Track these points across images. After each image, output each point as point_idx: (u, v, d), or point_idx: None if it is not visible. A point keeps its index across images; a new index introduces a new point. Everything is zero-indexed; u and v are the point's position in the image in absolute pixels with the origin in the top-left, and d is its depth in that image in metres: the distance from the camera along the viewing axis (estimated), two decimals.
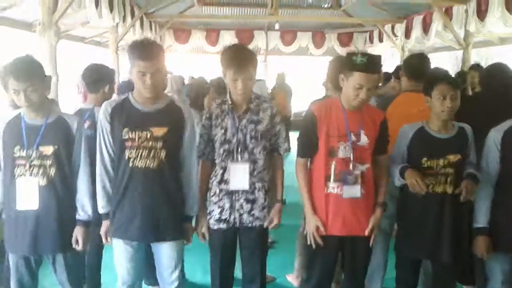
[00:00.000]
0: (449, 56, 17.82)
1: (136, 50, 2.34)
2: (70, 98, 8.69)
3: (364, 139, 2.47)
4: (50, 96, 4.59)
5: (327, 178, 2.49)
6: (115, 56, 8.56)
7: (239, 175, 2.53)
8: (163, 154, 2.40)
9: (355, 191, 2.47)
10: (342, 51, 13.29)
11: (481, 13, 6.70)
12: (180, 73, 10.16)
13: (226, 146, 2.55)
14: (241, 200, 2.56)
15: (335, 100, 2.56)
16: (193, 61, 16.67)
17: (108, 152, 2.46)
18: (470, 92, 4.87)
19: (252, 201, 2.57)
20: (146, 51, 2.32)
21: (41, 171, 2.43)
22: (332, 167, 2.47)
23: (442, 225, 2.50)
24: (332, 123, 2.47)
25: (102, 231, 2.53)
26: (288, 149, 2.70)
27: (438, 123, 2.53)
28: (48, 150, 2.44)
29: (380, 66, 2.43)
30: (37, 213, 2.44)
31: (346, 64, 2.42)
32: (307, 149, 2.57)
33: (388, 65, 11.14)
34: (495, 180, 2.53)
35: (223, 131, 2.55)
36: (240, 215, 2.57)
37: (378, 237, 2.83)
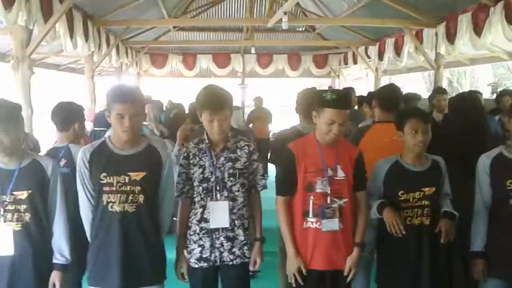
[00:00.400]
0: (422, 75, 18.32)
1: (115, 93, 2.38)
2: (45, 128, 8.58)
3: (340, 174, 2.51)
4: (26, 129, 4.58)
5: (306, 213, 2.51)
6: (91, 83, 8.50)
7: (219, 213, 2.53)
8: (141, 198, 2.40)
9: (334, 224, 2.49)
10: (317, 73, 13.55)
11: (451, 36, 6.88)
12: (158, 98, 10.19)
13: (205, 185, 2.55)
14: (221, 238, 2.55)
15: (310, 136, 2.60)
16: (171, 85, 16.75)
17: (90, 197, 2.46)
18: (436, 116, 5.04)
19: (232, 239, 2.56)
20: (124, 94, 2.36)
21: (15, 216, 2.38)
22: (310, 202, 2.50)
23: (421, 257, 2.53)
24: (309, 159, 2.51)
25: None
26: (265, 186, 2.71)
27: (412, 156, 2.60)
28: (22, 195, 2.39)
29: (350, 102, 2.49)
30: (13, 259, 2.39)
31: (317, 101, 2.49)
32: (288, 187, 2.58)
33: (364, 85, 11.38)
34: (489, 204, 2.59)
35: (201, 170, 2.55)
36: (221, 253, 2.55)
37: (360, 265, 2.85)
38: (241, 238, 2.58)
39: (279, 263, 3.55)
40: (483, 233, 2.58)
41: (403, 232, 2.49)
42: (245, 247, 2.60)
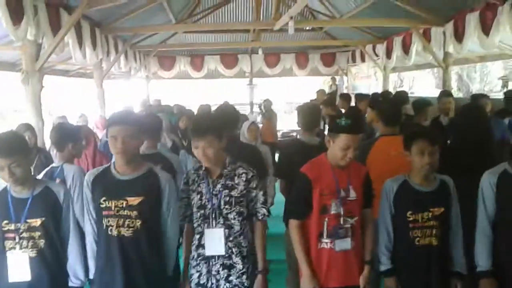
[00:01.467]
0: (431, 70, 18.17)
1: (110, 117, 2.52)
2: None
3: (353, 194, 2.56)
4: (38, 142, 4.64)
5: (320, 235, 2.56)
6: (101, 90, 8.54)
7: (214, 240, 2.52)
8: (138, 223, 2.44)
9: (346, 244, 2.55)
10: (326, 71, 13.50)
11: (459, 35, 6.82)
12: (167, 100, 10.23)
13: (202, 211, 2.55)
14: (217, 266, 2.54)
15: (322, 158, 2.63)
16: (179, 86, 16.80)
17: (93, 222, 2.52)
18: (443, 119, 5.05)
19: (229, 267, 2.54)
20: (117, 117, 2.47)
21: (30, 243, 2.45)
22: (325, 223, 2.54)
23: (429, 277, 2.54)
24: (324, 182, 2.55)
25: None
26: (267, 214, 2.61)
27: (420, 176, 2.60)
28: (36, 222, 2.46)
29: (363, 125, 2.52)
30: (30, 284, 2.46)
31: (331, 127, 2.53)
32: (303, 210, 2.61)
33: (373, 85, 11.33)
34: (492, 221, 2.56)
35: (199, 196, 2.56)
36: (217, 280, 2.54)
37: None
38: (239, 266, 2.53)
39: (286, 278, 3.56)
40: (489, 251, 2.55)
41: None
42: (244, 276, 2.55)
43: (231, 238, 2.53)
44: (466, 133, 3.19)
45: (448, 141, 3.89)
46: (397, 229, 2.64)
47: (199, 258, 2.57)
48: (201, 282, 2.57)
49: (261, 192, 2.58)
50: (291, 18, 6.14)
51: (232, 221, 2.53)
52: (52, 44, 5.22)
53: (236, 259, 2.53)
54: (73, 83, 12.88)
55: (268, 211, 2.60)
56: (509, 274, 2.49)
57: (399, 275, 2.64)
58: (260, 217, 2.59)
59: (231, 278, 2.53)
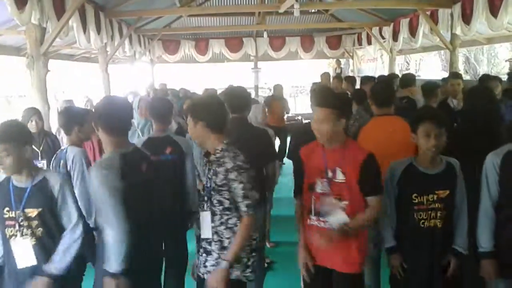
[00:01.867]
0: (438, 53, 17.96)
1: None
2: None
3: (340, 176, 2.50)
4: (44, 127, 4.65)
5: (310, 211, 2.58)
6: (106, 75, 8.51)
7: (203, 223, 2.53)
8: None
9: (340, 217, 2.47)
10: (331, 54, 13.40)
11: (466, 17, 6.75)
12: (172, 85, 10.21)
13: (202, 192, 2.59)
14: (201, 249, 2.56)
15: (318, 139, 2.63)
16: (184, 70, 16.73)
17: None
18: (451, 101, 5.00)
19: (208, 252, 2.53)
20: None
21: (29, 231, 2.46)
22: (312, 201, 2.56)
23: (434, 259, 2.54)
24: (313, 161, 2.58)
25: None
26: (246, 211, 2.42)
27: (425, 159, 2.57)
28: (33, 212, 2.47)
29: (332, 99, 2.47)
30: (33, 269, 2.47)
31: None
32: (299, 187, 2.66)
33: (379, 67, 11.23)
34: (495, 202, 2.53)
35: (204, 178, 2.60)
36: (199, 262, 2.57)
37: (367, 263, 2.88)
38: (215, 255, 2.49)
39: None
40: (491, 232, 2.53)
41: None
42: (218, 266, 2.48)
43: (213, 225, 2.49)
44: (474, 115, 3.17)
45: (455, 124, 3.87)
46: (402, 211, 2.63)
47: (196, 238, 2.63)
48: (197, 261, 2.62)
49: (241, 186, 2.41)
50: (296, 0, 6.06)
51: (215, 208, 2.48)
52: (56, 28, 5.22)
53: (214, 247, 2.49)
54: (78, 67, 12.84)
55: (247, 207, 2.42)
56: (504, 258, 2.48)
57: (403, 254, 2.64)
58: (241, 214, 2.46)
59: (207, 263, 2.52)
